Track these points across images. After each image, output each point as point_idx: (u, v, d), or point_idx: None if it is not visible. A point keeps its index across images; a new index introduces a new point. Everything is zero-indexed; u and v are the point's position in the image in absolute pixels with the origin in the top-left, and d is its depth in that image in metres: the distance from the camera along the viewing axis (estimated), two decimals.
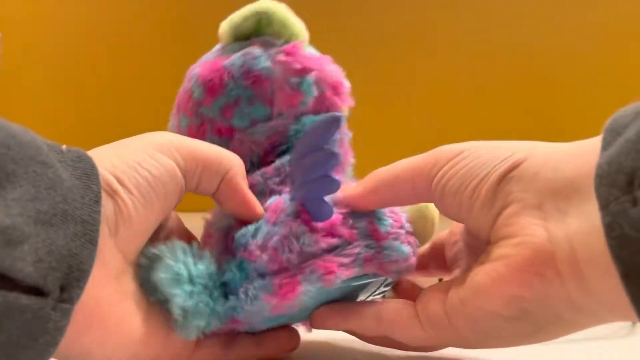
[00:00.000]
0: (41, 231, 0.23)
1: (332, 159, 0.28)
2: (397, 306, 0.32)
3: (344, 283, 0.31)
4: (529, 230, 0.25)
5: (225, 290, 0.31)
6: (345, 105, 0.36)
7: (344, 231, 0.31)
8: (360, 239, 0.31)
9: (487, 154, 0.28)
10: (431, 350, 0.35)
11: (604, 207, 0.21)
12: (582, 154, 0.25)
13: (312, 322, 0.33)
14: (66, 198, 0.24)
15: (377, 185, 0.32)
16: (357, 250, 0.30)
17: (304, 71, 0.33)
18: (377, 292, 0.37)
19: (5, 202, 0.22)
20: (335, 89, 0.35)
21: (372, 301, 0.33)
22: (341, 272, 0.30)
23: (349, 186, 0.33)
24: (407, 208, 0.35)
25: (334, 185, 0.29)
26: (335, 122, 0.27)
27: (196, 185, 0.31)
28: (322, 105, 0.34)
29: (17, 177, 0.23)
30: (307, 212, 0.30)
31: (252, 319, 0.31)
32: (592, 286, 0.24)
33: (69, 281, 0.23)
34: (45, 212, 0.23)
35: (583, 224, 0.24)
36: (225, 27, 0.36)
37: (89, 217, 0.25)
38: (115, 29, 0.71)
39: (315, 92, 0.34)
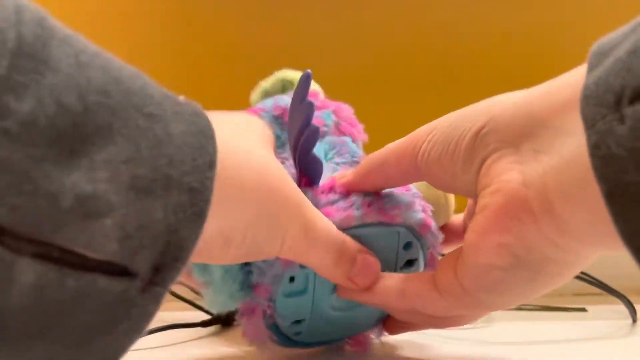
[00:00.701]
0: (135, 201, 0.19)
1: (309, 110, 0.32)
2: (418, 278, 0.32)
3: (348, 231, 0.32)
4: (503, 176, 0.25)
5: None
6: (359, 138, 0.41)
7: (343, 190, 0.34)
8: (359, 194, 0.33)
9: (459, 119, 0.29)
10: (461, 324, 0.35)
11: (590, 126, 0.21)
12: (552, 92, 0.25)
13: (339, 292, 0.33)
14: (172, 160, 0.20)
15: (368, 169, 0.33)
16: (354, 198, 0.33)
17: (323, 107, 0.40)
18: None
19: (91, 164, 0.18)
20: (349, 121, 0.41)
21: (399, 275, 0.33)
22: (339, 214, 0.32)
23: (343, 172, 0.35)
24: (422, 190, 0.36)
25: (314, 131, 0.32)
26: (307, 78, 0.32)
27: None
28: (341, 133, 0.40)
29: (113, 132, 0.19)
30: (306, 175, 0.33)
31: (268, 279, 0.32)
32: (566, 224, 0.24)
33: (165, 261, 0.20)
34: (144, 177, 0.19)
35: (554, 159, 0.24)
36: (256, 92, 0.45)
37: (199, 185, 0.20)
38: (116, 29, 0.71)
39: (334, 119, 0.40)
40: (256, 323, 0.33)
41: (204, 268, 0.33)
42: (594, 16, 0.70)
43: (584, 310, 0.58)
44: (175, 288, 0.53)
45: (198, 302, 0.52)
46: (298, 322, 0.35)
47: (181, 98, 0.22)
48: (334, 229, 0.31)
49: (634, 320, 0.52)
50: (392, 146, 0.32)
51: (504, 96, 0.28)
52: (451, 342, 0.44)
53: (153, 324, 0.43)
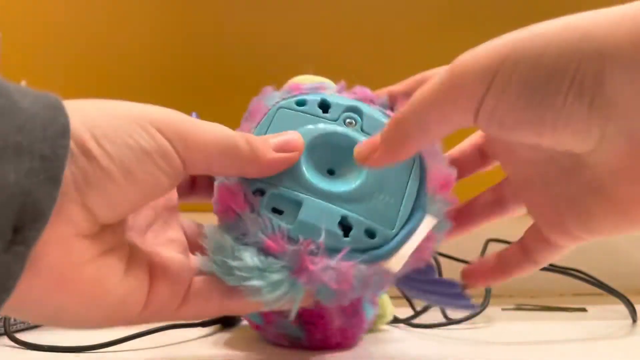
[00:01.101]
0: None
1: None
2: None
3: None
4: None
5: None
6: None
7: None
8: None
9: (547, 54, 0.22)
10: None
11: None
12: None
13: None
14: (22, 129, 0.21)
15: (405, 136, 0.27)
16: None
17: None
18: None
19: None
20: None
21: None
22: None
23: (371, 144, 0.29)
24: None
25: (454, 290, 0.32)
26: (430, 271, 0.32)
27: (208, 170, 0.27)
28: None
29: None
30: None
31: None
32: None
33: (24, 222, 0.21)
34: None
35: None
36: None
37: (50, 152, 0.21)
38: (117, 29, 0.71)
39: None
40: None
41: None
42: None
43: (584, 310, 0.58)
44: None
45: None
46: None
47: (22, 83, 0.23)
48: (218, 130, 0.27)
49: (634, 320, 0.52)
50: (424, 100, 0.25)
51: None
52: (451, 342, 0.44)
53: (153, 324, 0.44)
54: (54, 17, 0.71)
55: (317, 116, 0.31)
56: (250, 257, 0.28)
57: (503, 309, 0.59)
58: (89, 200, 0.23)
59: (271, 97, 0.33)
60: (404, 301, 0.55)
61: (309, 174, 0.30)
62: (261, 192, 0.29)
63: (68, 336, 0.46)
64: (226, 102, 0.71)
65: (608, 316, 0.55)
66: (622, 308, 0.54)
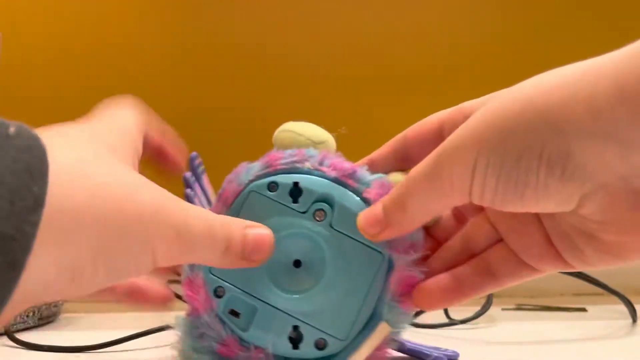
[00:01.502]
0: None
1: None
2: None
3: None
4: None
5: None
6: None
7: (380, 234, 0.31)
8: None
9: (511, 136, 0.24)
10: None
11: None
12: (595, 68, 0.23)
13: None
14: None
15: (412, 218, 0.28)
16: None
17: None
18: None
19: None
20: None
21: None
22: None
23: (376, 215, 0.29)
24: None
25: None
26: None
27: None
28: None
29: None
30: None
31: None
32: None
33: None
34: None
35: None
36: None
37: (14, 231, 0.18)
38: (117, 29, 0.71)
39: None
40: None
41: None
42: None
43: (584, 310, 0.58)
44: (175, 288, 0.53)
45: None
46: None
47: (11, 130, 0.20)
48: (214, 223, 0.26)
49: (634, 320, 0.52)
50: (422, 186, 0.27)
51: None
52: (452, 342, 0.44)
53: (153, 324, 0.44)
54: (54, 17, 0.71)
55: (287, 206, 0.31)
56: None
57: (503, 309, 0.59)
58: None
59: (246, 173, 0.32)
60: None
61: (269, 277, 0.30)
62: (220, 293, 0.31)
63: (68, 336, 0.46)
64: (227, 108, 0.72)
65: (608, 316, 0.55)
66: (622, 308, 0.54)
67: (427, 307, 0.31)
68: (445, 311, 0.52)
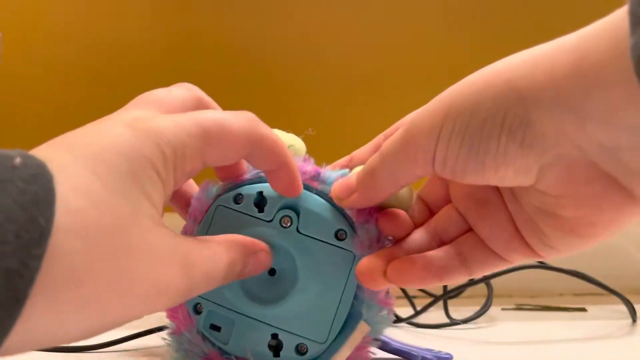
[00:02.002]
0: None
1: None
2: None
3: None
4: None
5: None
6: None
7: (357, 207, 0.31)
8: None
9: (478, 105, 0.25)
10: None
11: (633, 31, 0.21)
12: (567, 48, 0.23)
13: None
14: None
15: (379, 186, 0.29)
16: None
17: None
18: None
19: None
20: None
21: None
22: None
23: (345, 185, 0.30)
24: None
25: None
26: None
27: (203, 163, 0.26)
28: None
29: None
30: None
31: None
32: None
33: None
34: None
35: None
36: None
37: (19, 266, 0.18)
38: (117, 29, 0.71)
39: None
40: None
41: None
42: None
43: (584, 310, 0.58)
44: None
45: None
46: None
47: (17, 161, 0.20)
48: (217, 260, 0.26)
49: (634, 320, 0.52)
50: (391, 155, 0.28)
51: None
52: (452, 342, 0.44)
53: (153, 324, 0.44)
54: (54, 17, 0.71)
55: (253, 217, 0.31)
56: None
57: (503, 309, 0.59)
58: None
59: (211, 190, 0.32)
60: (405, 301, 0.56)
61: (244, 290, 0.30)
62: (200, 309, 0.31)
63: None
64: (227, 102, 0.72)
65: (608, 316, 0.55)
66: (622, 308, 0.54)
67: (400, 282, 0.30)
68: (446, 311, 0.52)
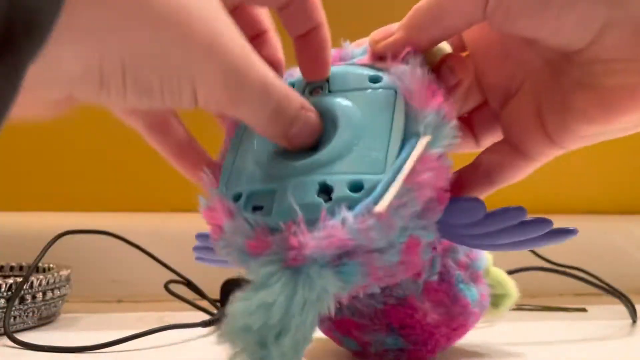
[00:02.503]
0: None
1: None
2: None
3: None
4: None
5: None
6: None
7: (391, 51, 0.28)
8: None
9: None
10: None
11: None
12: None
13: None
14: None
15: (422, 24, 0.27)
16: None
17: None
18: None
19: None
20: None
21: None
22: None
23: (386, 31, 0.28)
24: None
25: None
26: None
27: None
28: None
29: None
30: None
31: None
32: None
33: (13, 31, 0.15)
34: None
35: None
36: None
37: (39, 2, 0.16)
38: None
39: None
40: None
41: None
42: None
43: (584, 310, 0.58)
44: (175, 288, 0.53)
45: (198, 303, 0.52)
46: None
47: None
48: (273, 80, 0.24)
49: (634, 321, 0.52)
50: None
51: None
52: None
53: (153, 324, 0.44)
54: None
55: None
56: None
57: None
58: None
59: None
60: None
61: (283, 156, 0.27)
62: (238, 197, 0.27)
63: (68, 336, 0.46)
64: None
65: (608, 316, 0.55)
66: (622, 308, 0.54)
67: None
68: None
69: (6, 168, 0.68)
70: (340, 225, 0.24)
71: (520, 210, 0.26)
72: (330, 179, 0.25)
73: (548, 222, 0.26)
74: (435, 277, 0.34)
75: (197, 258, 0.36)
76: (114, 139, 0.70)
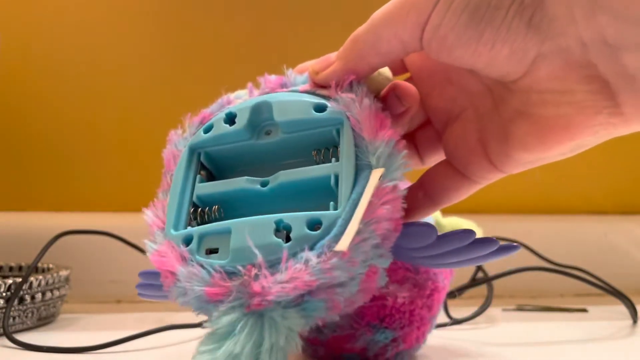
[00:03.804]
0: None
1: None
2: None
3: None
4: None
5: None
6: None
7: (328, 79, 0.29)
8: None
9: None
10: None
11: None
12: None
13: None
14: None
15: (359, 52, 0.27)
16: None
17: None
18: None
19: None
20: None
21: None
22: None
23: (324, 61, 0.29)
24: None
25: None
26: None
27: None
28: None
29: None
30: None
31: None
32: None
33: None
34: None
35: None
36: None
37: None
38: (117, 29, 0.71)
39: None
40: None
41: None
42: None
43: (584, 310, 0.58)
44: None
45: None
46: None
47: None
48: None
49: (635, 321, 0.52)
50: (379, 18, 0.26)
51: None
52: (452, 342, 0.44)
53: (152, 325, 0.44)
54: (54, 17, 0.71)
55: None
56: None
57: (504, 310, 0.59)
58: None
59: (181, 139, 0.30)
60: None
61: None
62: (190, 240, 0.26)
63: (67, 337, 0.46)
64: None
65: (609, 317, 0.55)
66: (622, 309, 0.54)
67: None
68: (446, 311, 0.52)
69: (6, 168, 0.68)
70: (303, 267, 0.23)
71: (469, 232, 0.26)
72: (286, 217, 0.25)
73: (494, 241, 0.26)
74: None
75: (140, 294, 0.33)
76: (114, 139, 0.70)
